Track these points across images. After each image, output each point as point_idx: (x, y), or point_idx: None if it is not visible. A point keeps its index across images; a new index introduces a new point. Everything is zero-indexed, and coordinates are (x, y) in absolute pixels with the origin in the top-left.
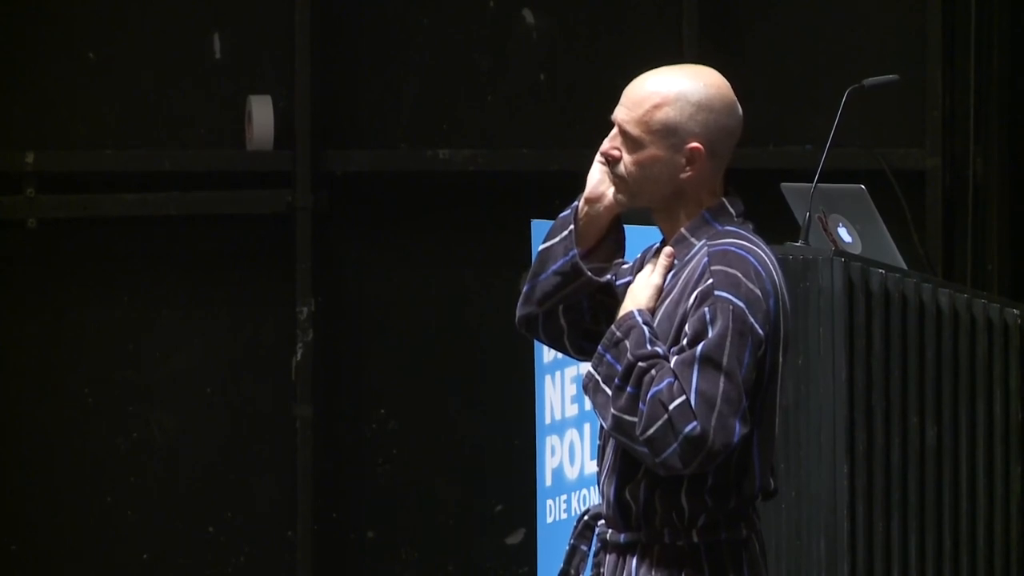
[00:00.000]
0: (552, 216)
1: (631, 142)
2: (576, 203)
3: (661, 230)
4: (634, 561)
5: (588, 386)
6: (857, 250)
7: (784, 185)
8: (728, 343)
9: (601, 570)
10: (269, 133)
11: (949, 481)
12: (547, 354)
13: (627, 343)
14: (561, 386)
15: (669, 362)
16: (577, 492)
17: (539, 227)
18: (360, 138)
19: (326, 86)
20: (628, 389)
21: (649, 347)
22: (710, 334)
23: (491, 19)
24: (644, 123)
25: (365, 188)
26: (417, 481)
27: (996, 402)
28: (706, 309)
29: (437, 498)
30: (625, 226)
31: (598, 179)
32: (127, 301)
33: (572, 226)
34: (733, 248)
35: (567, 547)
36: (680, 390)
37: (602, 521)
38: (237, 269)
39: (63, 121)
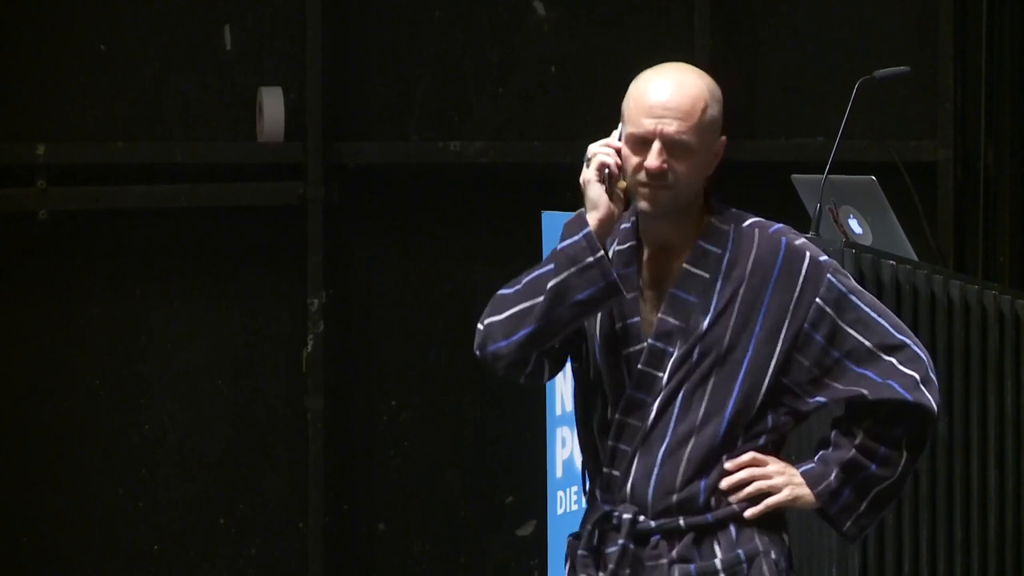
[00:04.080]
0: (564, 208)
1: (685, 151)
2: (587, 230)
3: (659, 229)
4: (726, 536)
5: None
6: (868, 242)
7: (795, 177)
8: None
9: (662, 561)
10: (280, 125)
11: (960, 474)
12: None
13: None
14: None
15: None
16: None
17: (549, 219)
18: (371, 130)
19: (337, 78)
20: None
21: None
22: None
23: (502, 11)
24: (697, 129)
25: (376, 180)
26: (428, 473)
27: (1007, 394)
28: (834, 314)
29: (448, 490)
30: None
31: (607, 200)
32: (138, 293)
33: (601, 252)
34: (793, 235)
35: (581, 555)
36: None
37: (633, 514)
38: (248, 261)
39: (74, 113)
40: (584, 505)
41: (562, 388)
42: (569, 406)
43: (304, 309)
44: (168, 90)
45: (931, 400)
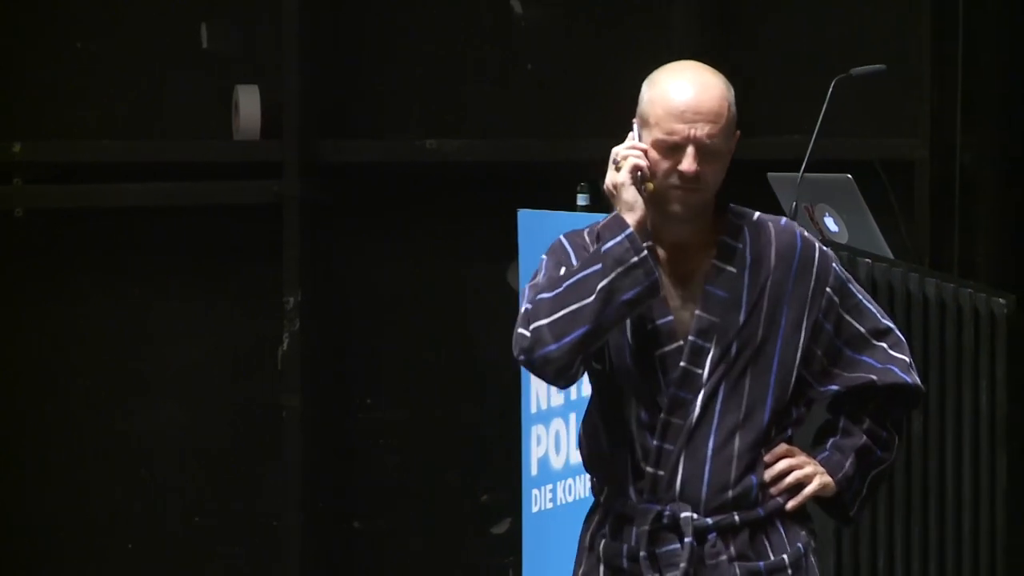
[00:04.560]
0: (540, 206)
1: (715, 152)
2: (629, 231)
3: (678, 230)
4: (776, 531)
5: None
6: (844, 240)
7: (771, 175)
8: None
9: (721, 558)
10: (256, 123)
11: (935, 471)
12: None
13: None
14: None
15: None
16: (563, 481)
17: (526, 217)
18: (348, 128)
19: (314, 76)
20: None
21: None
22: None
23: (480, 9)
24: (727, 131)
25: (352, 178)
26: (403, 471)
27: (982, 392)
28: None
29: (423, 487)
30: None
31: (643, 201)
32: (114, 290)
33: (644, 252)
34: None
35: (642, 557)
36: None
37: (688, 514)
38: (225, 259)
39: (51, 111)
40: (559, 503)
41: (536, 387)
42: (544, 404)
43: (280, 307)
44: (145, 88)
45: (919, 382)
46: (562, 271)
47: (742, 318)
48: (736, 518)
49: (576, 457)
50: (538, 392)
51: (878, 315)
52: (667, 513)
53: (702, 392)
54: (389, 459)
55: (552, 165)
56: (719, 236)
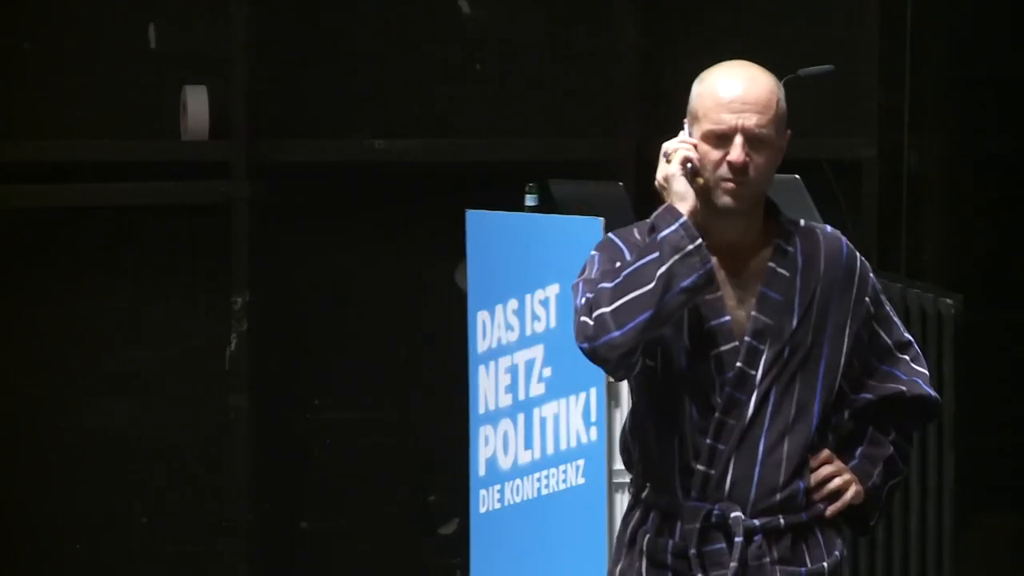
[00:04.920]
0: (488, 206)
1: (764, 144)
2: (683, 219)
3: (730, 228)
4: (814, 537)
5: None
6: None
7: None
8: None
9: (765, 560)
10: (204, 123)
11: None
12: (481, 344)
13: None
14: (495, 376)
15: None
16: (511, 482)
17: (474, 217)
18: (296, 128)
19: (262, 76)
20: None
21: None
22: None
23: (427, 9)
24: (776, 123)
25: (301, 178)
26: (351, 471)
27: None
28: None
29: (371, 488)
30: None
31: (692, 191)
32: (61, 291)
33: (699, 240)
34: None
35: (691, 554)
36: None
37: (738, 514)
38: (173, 259)
39: None
40: (507, 504)
41: (484, 388)
42: (492, 405)
43: (228, 308)
44: (92, 88)
45: (938, 397)
46: (617, 264)
47: (795, 322)
48: (781, 521)
49: (524, 458)
50: (486, 393)
51: (901, 328)
52: (716, 512)
53: (755, 393)
54: (337, 460)
55: (500, 165)
56: (773, 239)
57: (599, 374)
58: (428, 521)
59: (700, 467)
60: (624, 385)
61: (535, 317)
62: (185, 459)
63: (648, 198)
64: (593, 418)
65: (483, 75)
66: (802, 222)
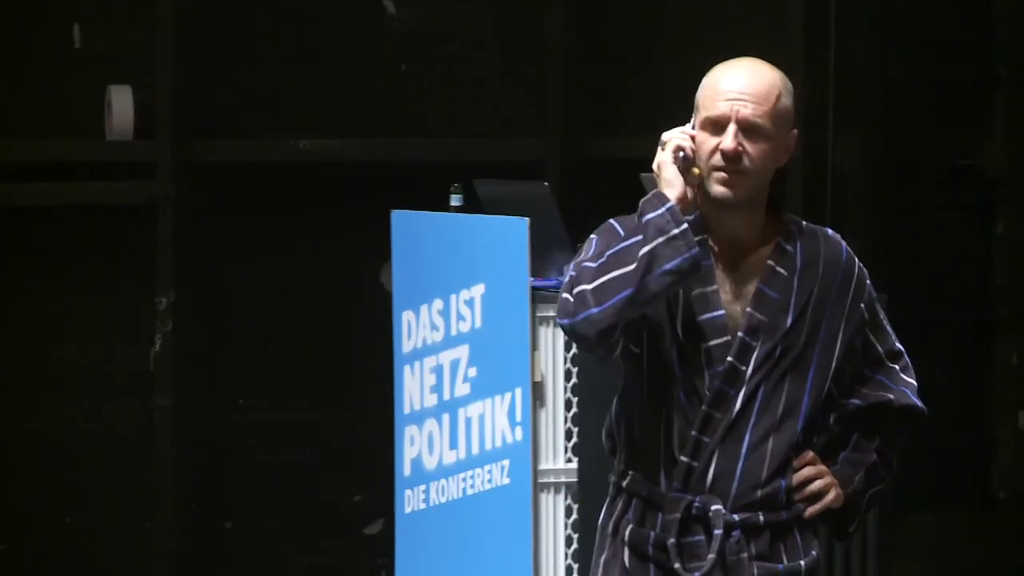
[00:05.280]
0: (414, 206)
1: (759, 135)
2: (670, 204)
3: (730, 223)
4: (792, 536)
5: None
6: None
7: (643, 175)
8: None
9: (742, 555)
10: (129, 123)
11: None
12: (406, 344)
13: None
14: (420, 376)
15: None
16: (436, 482)
17: (399, 218)
18: (222, 128)
19: (187, 76)
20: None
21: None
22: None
23: (353, 8)
24: (773, 115)
25: (226, 178)
26: (276, 471)
27: None
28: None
29: (296, 489)
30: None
31: (682, 179)
32: None
33: (685, 224)
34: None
35: (670, 545)
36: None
37: (719, 507)
38: (98, 260)
39: None
40: (432, 504)
41: (410, 388)
42: (417, 405)
43: (153, 308)
44: (17, 88)
45: (926, 409)
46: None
47: (789, 321)
48: (761, 518)
49: (449, 458)
50: (411, 393)
51: (893, 337)
52: (697, 504)
53: (744, 389)
54: (262, 460)
55: (426, 166)
56: (775, 237)
57: (524, 374)
58: (354, 521)
59: (684, 458)
60: (550, 384)
61: (460, 317)
62: (110, 459)
63: (572, 197)
64: (518, 418)
65: (408, 75)
66: (805, 223)
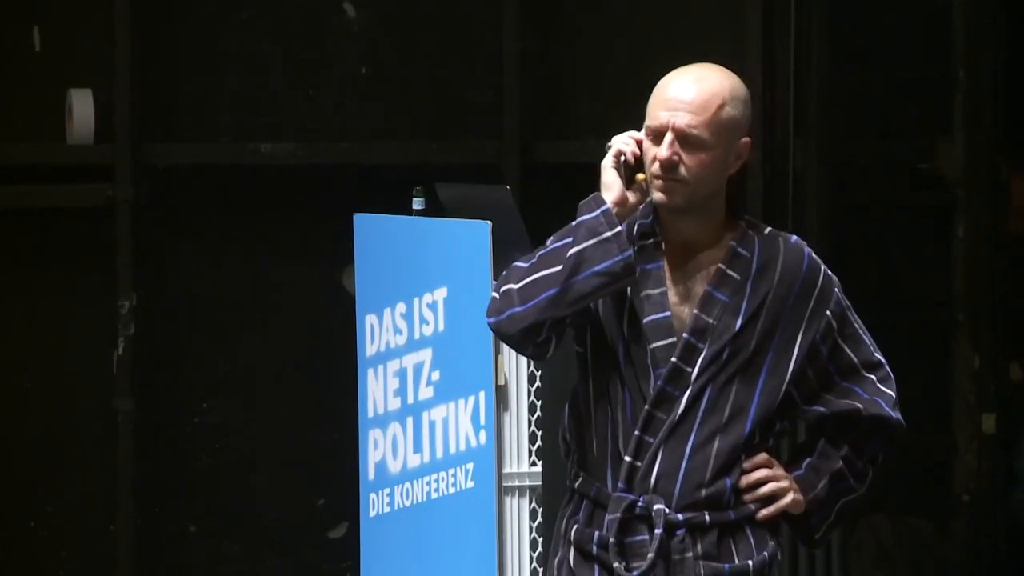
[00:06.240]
0: (376, 209)
1: (696, 145)
2: (605, 207)
3: (680, 226)
4: (744, 535)
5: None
6: None
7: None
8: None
9: (687, 555)
10: (89, 126)
11: None
12: (370, 347)
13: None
14: (384, 380)
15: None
16: (400, 486)
17: (361, 221)
18: (182, 131)
19: (147, 79)
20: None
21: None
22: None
23: (312, 12)
24: (712, 125)
25: (187, 181)
26: (239, 475)
27: None
28: (836, 331)
29: (260, 492)
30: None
31: (621, 184)
32: None
33: (619, 228)
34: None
35: (610, 543)
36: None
37: (660, 507)
38: (58, 263)
39: None
40: (397, 507)
41: (373, 391)
42: (381, 409)
43: (115, 311)
44: None
45: (902, 421)
46: None
47: (738, 325)
48: (707, 517)
49: (413, 461)
50: (375, 396)
51: (872, 348)
52: (640, 504)
53: (689, 390)
54: (226, 463)
55: (388, 169)
56: (729, 241)
57: (488, 377)
58: (318, 525)
59: (627, 458)
60: (513, 388)
61: (423, 320)
62: (72, 463)
63: (533, 200)
64: (482, 421)
65: (370, 78)
66: (767, 229)
